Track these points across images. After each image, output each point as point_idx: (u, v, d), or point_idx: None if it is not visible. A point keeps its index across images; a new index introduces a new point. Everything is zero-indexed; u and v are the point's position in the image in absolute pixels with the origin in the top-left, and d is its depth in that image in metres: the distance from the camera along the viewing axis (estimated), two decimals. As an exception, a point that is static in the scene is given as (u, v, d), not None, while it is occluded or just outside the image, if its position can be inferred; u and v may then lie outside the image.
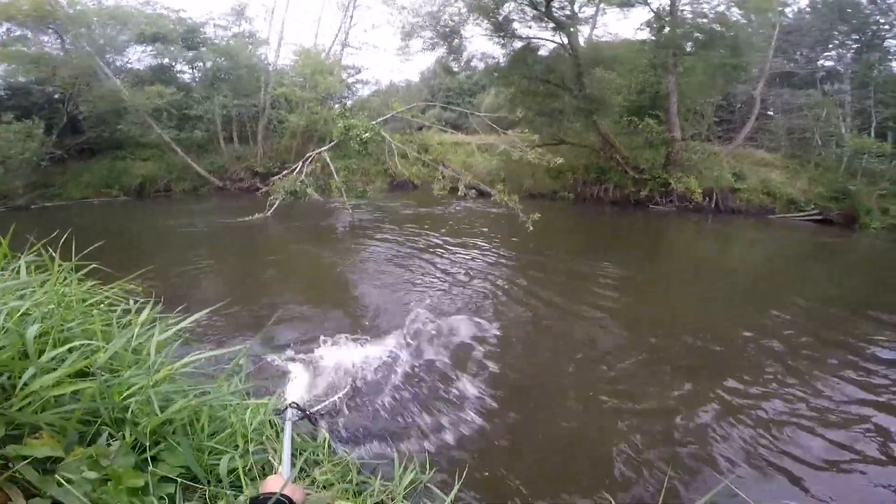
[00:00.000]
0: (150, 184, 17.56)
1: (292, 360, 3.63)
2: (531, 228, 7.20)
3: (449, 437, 2.81)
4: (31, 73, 16.98)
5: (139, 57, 19.68)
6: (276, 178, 11.44)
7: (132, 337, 1.92)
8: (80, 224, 13.04)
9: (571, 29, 13.77)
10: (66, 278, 2.40)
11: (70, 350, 1.63)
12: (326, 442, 2.26)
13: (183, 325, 2.10)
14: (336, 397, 3.07)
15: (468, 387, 3.39)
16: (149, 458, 1.46)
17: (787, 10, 17.17)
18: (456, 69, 17.59)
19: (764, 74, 15.86)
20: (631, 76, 15.22)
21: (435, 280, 6.19)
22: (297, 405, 2.15)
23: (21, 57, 16.85)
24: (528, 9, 13.62)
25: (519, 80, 15.37)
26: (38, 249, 2.35)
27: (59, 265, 2.33)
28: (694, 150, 14.89)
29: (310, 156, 10.82)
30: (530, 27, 14.60)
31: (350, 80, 23.86)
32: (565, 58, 14.40)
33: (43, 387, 1.28)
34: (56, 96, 17.18)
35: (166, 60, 19.87)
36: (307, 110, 18.42)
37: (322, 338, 3.98)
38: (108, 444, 1.42)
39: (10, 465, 1.14)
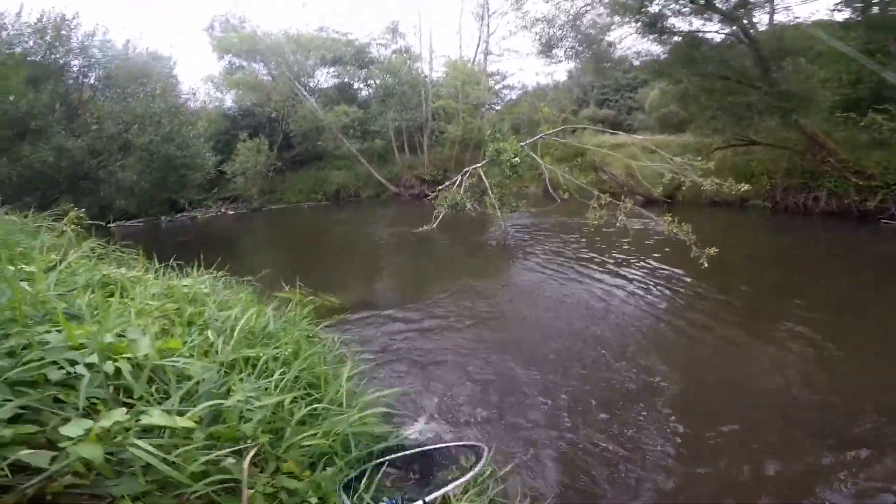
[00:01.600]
0: (344, 190, 20.97)
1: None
2: (706, 265, 6.26)
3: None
4: (252, 98, 21.78)
5: (325, 78, 23.53)
6: (440, 187, 12.54)
7: (343, 382, 2.52)
8: (297, 224, 16.60)
9: (744, 20, 11.44)
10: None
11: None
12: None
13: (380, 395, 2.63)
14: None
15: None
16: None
17: None
18: (607, 73, 16.22)
19: None
20: (839, 65, 12.10)
21: (590, 304, 6.06)
22: None
23: (243, 83, 21.75)
24: (682, 3, 11.77)
25: (688, 77, 13.49)
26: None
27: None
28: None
29: (466, 171, 11.53)
30: (690, 22, 12.62)
31: (497, 86, 24.42)
32: (743, 50, 12.11)
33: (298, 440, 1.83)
34: (273, 116, 21.56)
35: (346, 79, 23.27)
36: (462, 121, 19.60)
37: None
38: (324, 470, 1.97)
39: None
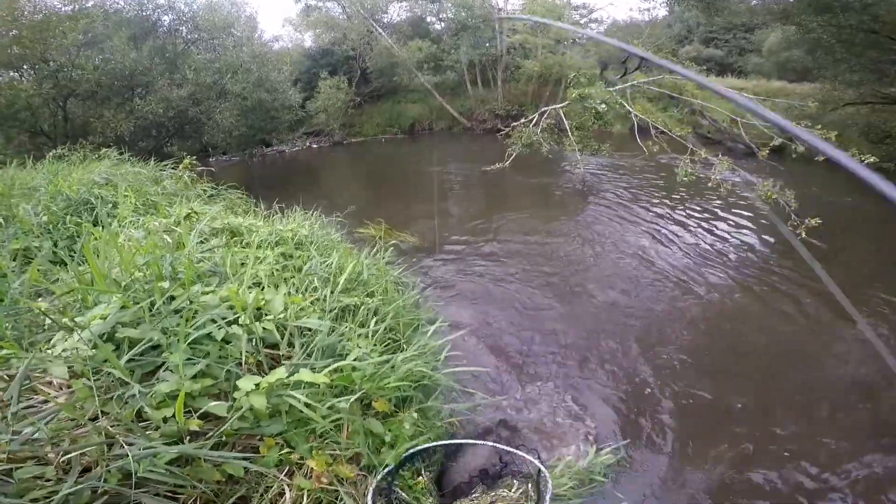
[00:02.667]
0: (418, 123, 21.18)
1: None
2: (802, 234, 5.56)
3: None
4: (329, 37, 21.89)
5: (397, 13, 22.76)
6: (514, 124, 12.11)
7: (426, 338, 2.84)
8: (375, 157, 17.31)
9: None
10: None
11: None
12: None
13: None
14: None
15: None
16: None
17: None
18: (719, 14, 13.67)
19: None
20: None
21: (663, 266, 5.87)
22: None
23: (320, 23, 21.81)
24: None
25: (822, 26, 11.08)
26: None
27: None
28: None
29: (545, 111, 10.95)
30: None
31: (582, 20, 22.15)
32: None
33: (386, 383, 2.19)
34: (350, 54, 21.62)
35: (418, 13, 22.34)
36: (540, 56, 18.41)
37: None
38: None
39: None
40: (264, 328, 1.83)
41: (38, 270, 2.32)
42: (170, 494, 1.35)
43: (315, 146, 20.35)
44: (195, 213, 3.50)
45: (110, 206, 4.53)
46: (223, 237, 3.06)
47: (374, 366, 2.03)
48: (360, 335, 2.26)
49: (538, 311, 4.75)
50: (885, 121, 11.88)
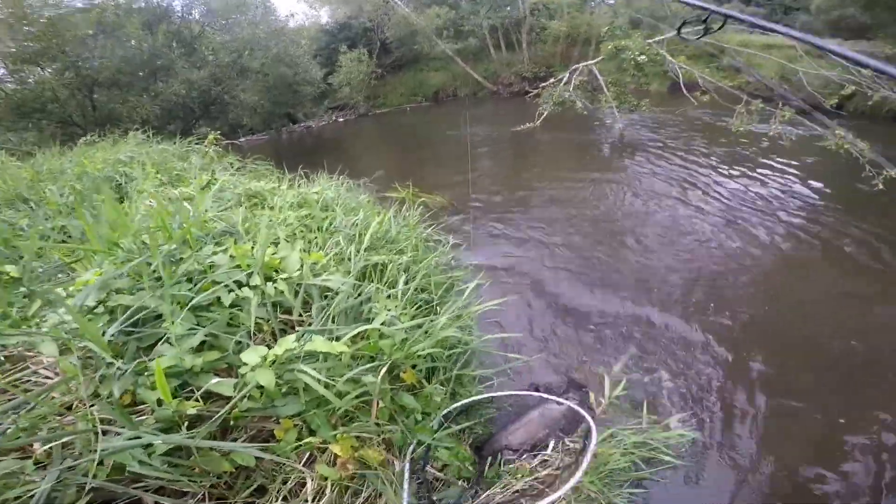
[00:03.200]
0: (442, 91, 20.74)
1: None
2: (880, 187, 4.88)
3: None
4: (345, 11, 21.50)
5: None
6: (543, 84, 11.43)
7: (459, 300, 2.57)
8: (401, 126, 16.94)
9: None
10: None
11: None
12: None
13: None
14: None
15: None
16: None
17: None
18: None
19: None
20: None
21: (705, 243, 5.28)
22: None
23: None
24: None
25: None
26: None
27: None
28: None
29: (576, 68, 10.22)
30: None
31: None
32: None
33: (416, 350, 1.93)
34: (368, 26, 21.16)
35: None
36: (567, 15, 17.49)
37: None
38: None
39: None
40: (276, 289, 1.58)
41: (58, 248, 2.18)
42: (177, 488, 1.14)
43: (341, 119, 20.29)
44: (215, 179, 3.31)
45: (134, 182, 4.44)
46: (244, 202, 2.85)
47: (404, 331, 1.76)
48: (388, 296, 1.99)
49: (582, 269, 4.37)
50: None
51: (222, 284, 1.57)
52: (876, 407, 2.62)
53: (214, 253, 1.69)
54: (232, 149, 6.80)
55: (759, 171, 6.81)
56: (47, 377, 1.37)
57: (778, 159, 7.10)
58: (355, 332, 1.56)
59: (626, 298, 3.85)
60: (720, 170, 6.96)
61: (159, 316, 1.48)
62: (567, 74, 10.43)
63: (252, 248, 1.74)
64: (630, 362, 3.03)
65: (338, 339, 1.50)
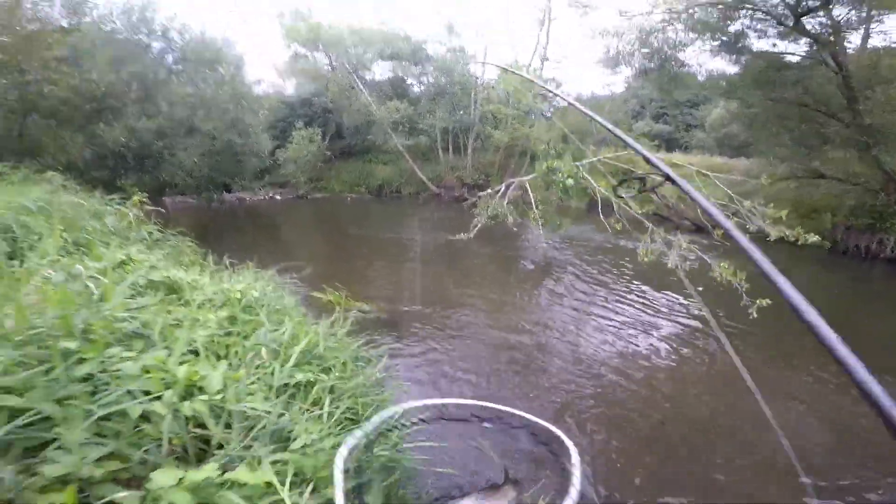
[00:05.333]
0: (387, 185, 21.34)
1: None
2: (754, 315, 5.80)
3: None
4: (311, 88, 22.36)
5: (381, 72, 23.92)
6: (481, 194, 12.41)
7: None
8: (340, 217, 16.96)
9: (835, 45, 10.74)
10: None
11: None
12: None
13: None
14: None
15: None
16: None
17: None
18: (672, 90, 15.60)
19: None
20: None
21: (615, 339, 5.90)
22: None
23: (307, 73, 22.42)
24: (767, 24, 11.17)
25: (761, 100, 12.77)
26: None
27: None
28: None
29: (512, 182, 11.37)
30: (774, 44, 11.93)
31: (549, 96, 23.87)
32: (828, 75, 11.34)
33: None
34: (328, 107, 22.03)
35: (400, 74, 23.53)
36: (510, 127, 19.43)
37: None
38: None
39: None
40: (195, 409, 1.50)
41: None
42: None
43: (278, 197, 19.89)
44: (132, 259, 3.12)
45: (36, 237, 4.02)
46: (159, 293, 2.68)
47: (327, 452, 1.71)
48: (311, 417, 1.93)
49: (500, 385, 4.58)
50: (810, 195, 13.07)
51: (129, 397, 1.47)
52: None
53: (122, 359, 1.58)
54: (155, 213, 6.42)
55: (656, 296, 7.79)
56: None
57: (673, 289, 8.18)
58: (275, 457, 1.50)
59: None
60: (621, 294, 7.86)
61: (46, 419, 1.34)
62: (503, 187, 11.53)
63: (167, 358, 1.65)
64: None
65: (259, 461, 1.43)
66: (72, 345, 1.61)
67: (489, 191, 12.11)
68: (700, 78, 14.49)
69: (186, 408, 1.46)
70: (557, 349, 5.88)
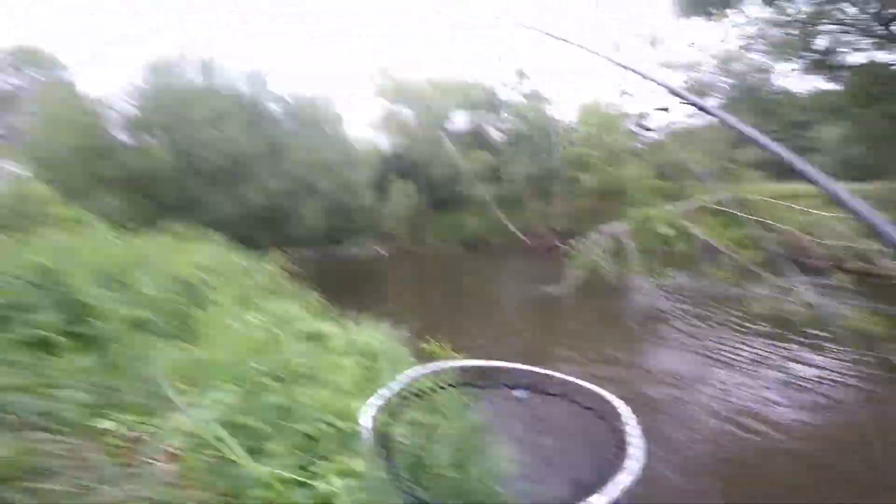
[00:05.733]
0: (477, 236, 21.45)
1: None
2: None
3: None
4: (402, 142, 23.35)
5: (461, 123, 24.40)
6: (572, 241, 12.03)
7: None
8: (439, 270, 17.59)
9: None
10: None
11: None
12: None
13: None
14: None
15: None
16: None
17: None
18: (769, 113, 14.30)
19: None
20: None
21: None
22: None
23: (398, 127, 23.78)
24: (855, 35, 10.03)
25: (875, 118, 11.20)
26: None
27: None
28: None
29: (605, 231, 11.07)
30: (871, 58, 10.87)
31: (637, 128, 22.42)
32: None
33: None
34: (418, 160, 22.61)
35: (478, 122, 24.03)
36: (598, 169, 18.96)
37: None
38: None
39: None
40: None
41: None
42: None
43: (383, 251, 20.46)
44: (290, 315, 3.88)
45: (212, 290, 5.05)
46: (311, 342, 3.35)
47: None
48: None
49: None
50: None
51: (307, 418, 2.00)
52: None
53: (301, 394, 2.13)
54: (286, 266, 7.34)
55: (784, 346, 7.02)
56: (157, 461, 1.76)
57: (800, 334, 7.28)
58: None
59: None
60: (746, 349, 7.17)
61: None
62: (597, 235, 11.21)
63: (331, 394, 2.18)
64: None
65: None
66: (269, 381, 2.20)
67: (582, 239, 11.72)
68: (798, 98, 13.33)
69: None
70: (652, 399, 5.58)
